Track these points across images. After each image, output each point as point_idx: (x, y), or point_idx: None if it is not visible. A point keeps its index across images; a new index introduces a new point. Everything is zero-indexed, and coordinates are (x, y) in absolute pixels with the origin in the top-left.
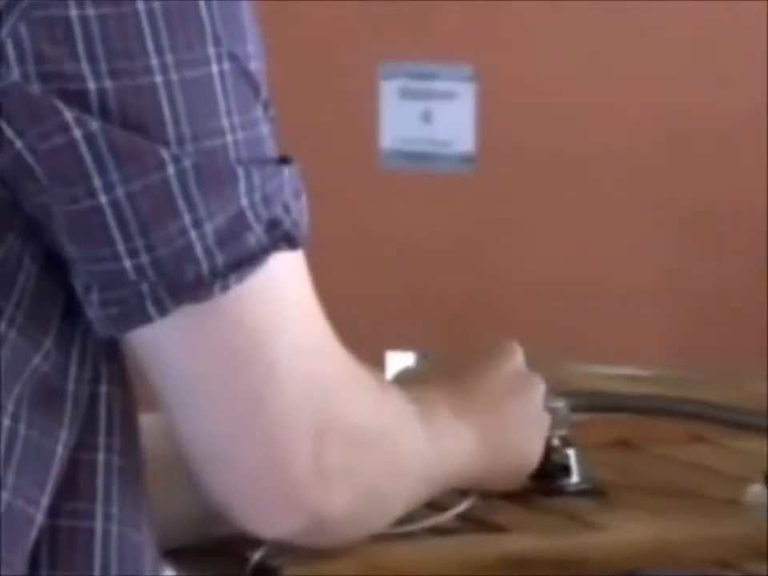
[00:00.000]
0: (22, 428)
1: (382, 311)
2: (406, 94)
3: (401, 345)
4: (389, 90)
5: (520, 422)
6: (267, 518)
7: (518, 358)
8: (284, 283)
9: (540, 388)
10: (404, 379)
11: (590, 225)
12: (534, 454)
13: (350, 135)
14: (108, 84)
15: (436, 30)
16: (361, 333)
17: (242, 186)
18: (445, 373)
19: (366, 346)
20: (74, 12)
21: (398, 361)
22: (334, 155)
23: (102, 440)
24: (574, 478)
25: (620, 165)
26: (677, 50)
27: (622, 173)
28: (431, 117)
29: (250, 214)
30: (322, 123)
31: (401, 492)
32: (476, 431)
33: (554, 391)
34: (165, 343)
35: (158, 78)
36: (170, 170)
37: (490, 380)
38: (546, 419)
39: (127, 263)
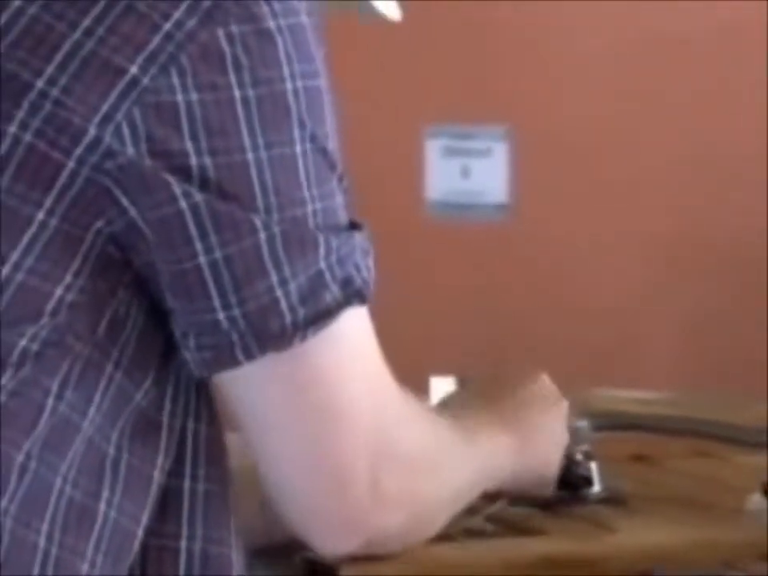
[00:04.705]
0: (124, 455)
1: (428, 340)
2: (448, 152)
3: (443, 371)
4: (433, 149)
5: (547, 436)
6: (330, 539)
7: (544, 380)
8: (352, 333)
9: (564, 407)
10: (448, 401)
11: (610, 264)
12: (554, 465)
13: (400, 188)
14: (208, 160)
15: (473, 97)
16: (408, 360)
17: (322, 250)
18: (482, 394)
19: (412, 372)
20: (179, 97)
21: (442, 385)
22: (385, 205)
23: (188, 468)
24: (596, 488)
25: (637, 205)
26: (694, 99)
27: (639, 214)
28: (469, 171)
29: (327, 275)
30: (375, 178)
31: (448, 508)
32: (511, 445)
33: (578, 412)
34: (249, 384)
35: (250, 156)
36: (262, 236)
37: (523, 399)
38: (566, 435)
39: (221, 315)
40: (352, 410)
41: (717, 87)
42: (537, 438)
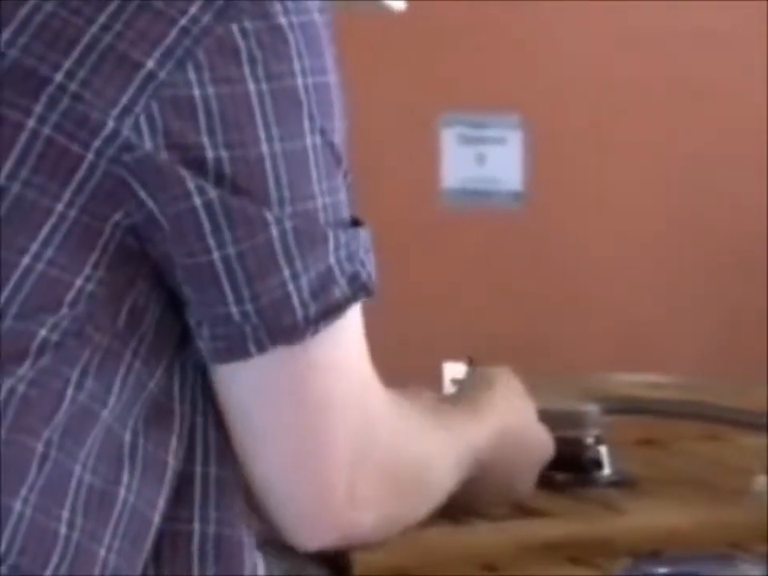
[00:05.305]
0: (141, 441)
1: (443, 326)
2: (463, 140)
3: (457, 357)
4: (448, 137)
5: (528, 428)
6: (303, 533)
7: (516, 382)
8: (349, 329)
9: (531, 408)
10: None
11: (623, 252)
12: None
13: (416, 176)
14: (223, 153)
15: (487, 85)
16: (422, 347)
17: (331, 246)
18: (463, 392)
19: (426, 358)
20: (196, 91)
21: (454, 370)
22: (401, 193)
23: (199, 454)
24: (606, 471)
25: (652, 194)
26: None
27: (654, 203)
28: (484, 159)
29: (336, 270)
30: (391, 167)
31: (425, 505)
32: (491, 436)
33: (588, 396)
34: (251, 374)
35: (265, 148)
36: (274, 232)
37: (506, 392)
38: (549, 439)
39: (234, 308)
40: (343, 403)
41: (735, 76)
42: (516, 426)
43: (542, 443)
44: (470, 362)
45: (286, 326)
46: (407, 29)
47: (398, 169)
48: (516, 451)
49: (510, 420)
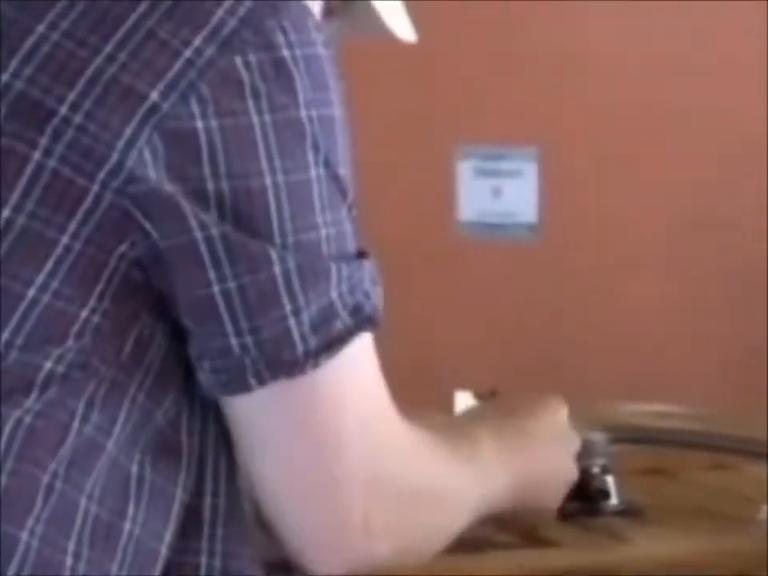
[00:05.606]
0: (148, 474)
1: (459, 356)
2: (479, 173)
3: (472, 386)
4: (465, 170)
5: (551, 470)
6: (317, 562)
7: (563, 414)
8: (358, 360)
9: (576, 445)
10: (460, 422)
11: (637, 283)
12: (555, 499)
13: (433, 208)
14: (225, 185)
15: (504, 118)
16: (437, 375)
17: (333, 279)
18: (496, 419)
19: (441, 387)
20: (200, 124)
21: (465, 399)
22: (419, 226)
23: (208, 485)
24: (613, 501)
25: (666, 226)
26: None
27: (668, 235)
28: (501, 192)
29: (338, 303)
30: (409, 199)
31: (443, 535)
32: (513, 474)
33: (595, 426)
34: (256, 407)
35: (268, 179)
36: (277, 268)
37: (539, 428)
38: (574, 473)
39: (234, 341)
40: (350, 434)
41: (749, 106)
42: (540, 471)
43: (564, 483)
44: (493, 394)
45: (286, 360)
46: (425, 61)
47: (415, 201)
48: (537, 495)
49: (538, 463)
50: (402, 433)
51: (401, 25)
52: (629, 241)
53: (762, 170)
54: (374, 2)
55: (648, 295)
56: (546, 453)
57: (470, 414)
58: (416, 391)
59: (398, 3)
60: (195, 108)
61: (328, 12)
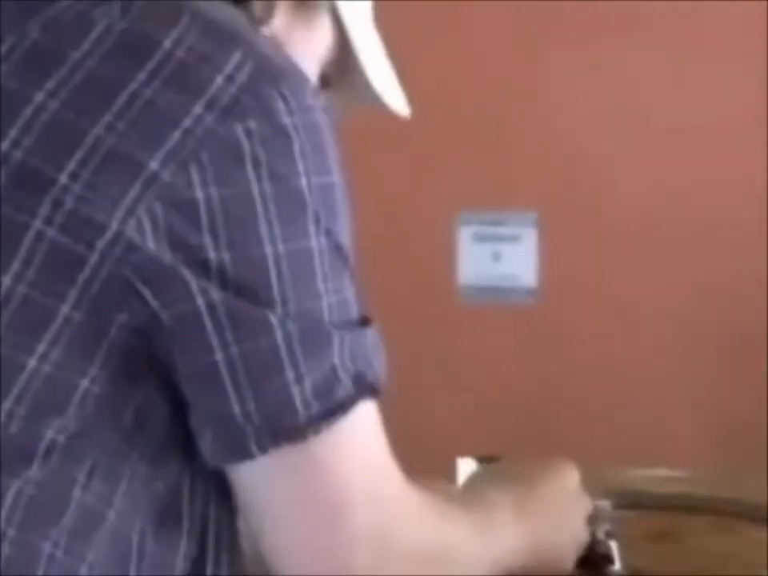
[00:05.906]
0: (148, 542)
1: (459, 422)
2: (479, 238)
3: (472, 453)
4: (465, 235)
5: (564, 534)
6: None
7: (575, 477)
8: (361, 426)
9: (587, 508)
10: (470, 484)
11: (635, 349)
12: (567, 561)
13: (434, 273)
14: (226, 254)
15: (503, 185)
16: (437, 442)
17: (335, 346)
18: (506, 482)
19: (442, 453)
20: (200, 193)
21: (468, 465)
22: (420, 291)
23: (210, 555)
24: (617, 567)
25: (666, 292)
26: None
27: (668, 301)
28: (500, 257)
29: (340, 370)
30: (410, 264)
31: None
32: (524, 538)
33: (599, 491)
34: (259, 473)
35: (268, 249)
36: (278, 335)
37: (550, 492)
38: (584, 536)
39: (236, 409)
40: (354, 499)
41: (751, 171)
42: (552, 534)
43: (577, 544)
44: (495, 458)
45: (288, 427)
46: (424, 128)
47: (416, 266)
48: (550, 555)
49: (551, 523)
50: (406, 497)
51: (395, 98)
52: (627, 306)
53: (761, 242)
54: (368, 74)
55: (646, 360)
56: (559, 514)
57: (479, 478)
58: (416, 458)
59: (393, 76)
60: (195, 177)
61: (324, 82)
